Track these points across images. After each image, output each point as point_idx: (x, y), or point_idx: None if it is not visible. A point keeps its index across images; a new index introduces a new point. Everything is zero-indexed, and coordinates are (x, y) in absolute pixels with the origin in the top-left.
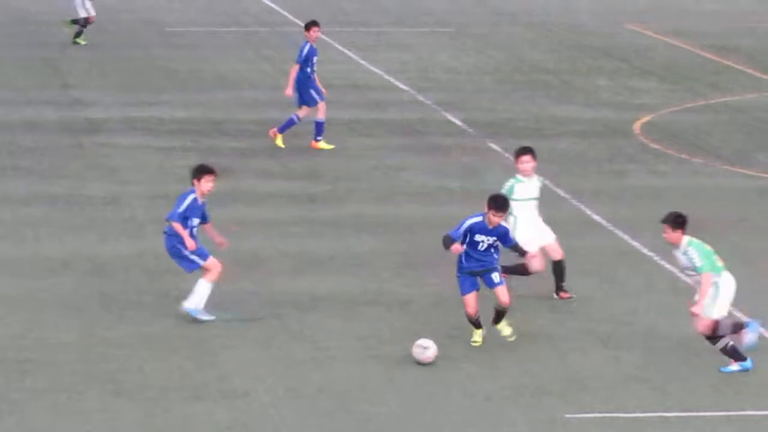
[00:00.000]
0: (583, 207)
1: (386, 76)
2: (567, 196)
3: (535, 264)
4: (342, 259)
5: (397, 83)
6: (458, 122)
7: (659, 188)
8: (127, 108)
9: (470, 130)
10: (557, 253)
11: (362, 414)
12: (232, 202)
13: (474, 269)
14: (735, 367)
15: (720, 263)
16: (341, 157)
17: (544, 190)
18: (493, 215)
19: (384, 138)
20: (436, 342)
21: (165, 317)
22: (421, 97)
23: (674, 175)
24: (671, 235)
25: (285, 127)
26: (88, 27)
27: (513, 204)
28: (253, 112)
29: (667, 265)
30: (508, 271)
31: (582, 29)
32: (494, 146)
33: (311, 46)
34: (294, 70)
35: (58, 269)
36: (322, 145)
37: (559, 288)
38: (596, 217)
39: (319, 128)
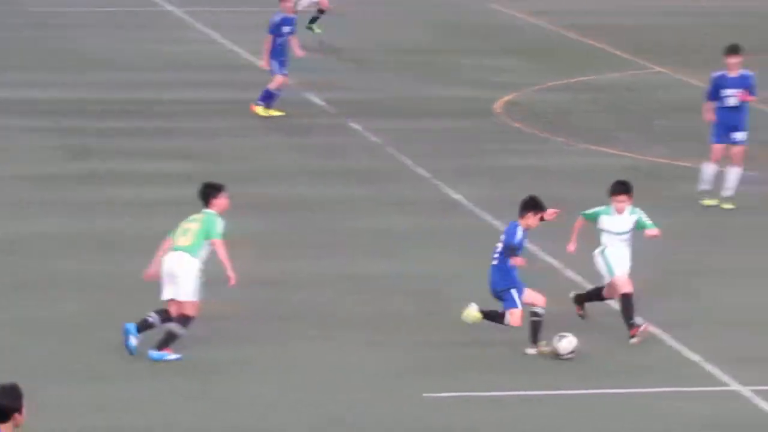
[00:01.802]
0: (444, 186)
1: (249, 56)
2: (428, 175)
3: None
4: None
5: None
6: (320, 102)
7: (521, 167)
8: None
9: (331, 110)
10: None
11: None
12: (99, 183)
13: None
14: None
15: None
16: (205, 137)
17: (404, 170)
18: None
19: (245, 118)
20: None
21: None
22: None
23: (536, 154)
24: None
25: (265, 98)
26: None
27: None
28: (124, 91)
29: (528, 245)
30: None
31: (445, 8)
32: (355, 126)
33: (284, 17)
34: (267, 41)
35: None
36: (260, 110)
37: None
38: (457, 197)
39: (265, 95)
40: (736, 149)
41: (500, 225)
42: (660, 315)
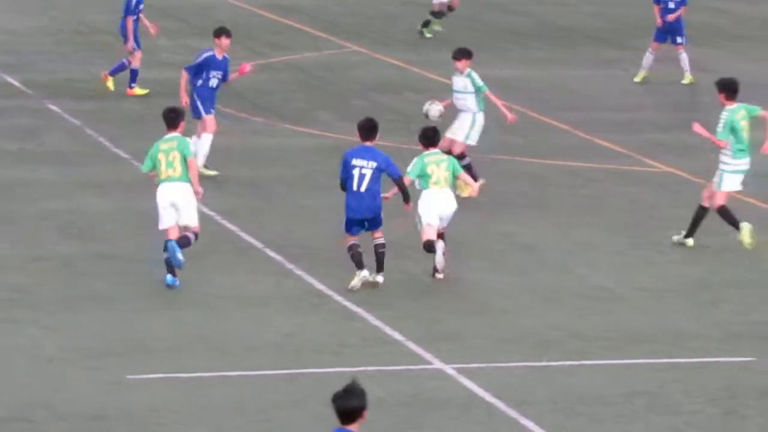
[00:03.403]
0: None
1: None
2: (127, 156)
3: None
4: None
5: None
6: (17, 84)
7: (220, 148)
8: None
9: (29, 92)
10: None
11: None
12: None
13: None
14: None
15: None
16: None
17: (104, 152)
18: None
19: None
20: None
21: None
22: None
23: (235, 134)
24: None
25: (116, 70)
26: None
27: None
28: None
29: (229, 225)
30: None
31: None
32: (54, 107)
33: None
34: (128, 20)
35: None
36: (138, 90)
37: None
38: None
39: (132, 75)
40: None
41: (199, 205)
42: (360, 294)
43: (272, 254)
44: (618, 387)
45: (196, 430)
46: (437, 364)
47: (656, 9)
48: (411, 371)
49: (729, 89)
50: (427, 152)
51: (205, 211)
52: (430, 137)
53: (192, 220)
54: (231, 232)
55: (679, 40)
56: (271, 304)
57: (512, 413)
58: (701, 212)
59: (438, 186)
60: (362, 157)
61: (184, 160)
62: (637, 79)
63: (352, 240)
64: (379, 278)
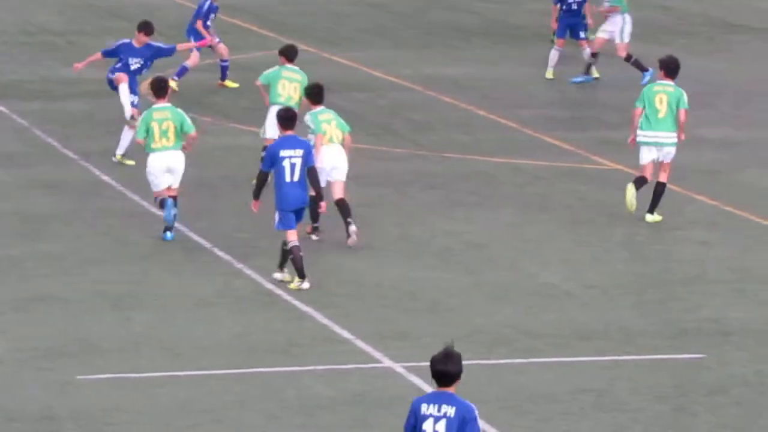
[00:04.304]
0: (92, 168)
1: None
2: (76, 157)
3: None
4: None
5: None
6: None
7: None
8: None
9: None
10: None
11: None
12: None
13: None
14: None
15: None
16: None
17: (52, 152)
18: None
19: None
20: None
21: None
22: None
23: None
24: None
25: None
26: None
27: None
28: None
29: (178, 225)
30: None
31: None
32: (1, 108)
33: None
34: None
35: None
36: (229, 83)
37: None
38: (105, 178)
39: (223, 71)
40: None
41: (148, 206)
42: (310, 294)
43: (221, 254)
44: (567, 384)
45: (146, 430)
46: (387, 362)
47: (554, 9)
48: (361, 370)
49: (667, 67)
50: (317, 110)
51: (154, 212)
52: (317, 93)
53: (177, 183)
54: (179, 232)
55: (582, 35)
56: (220, 304)
57: None
58: (658, 188)
59: (331, 143)
60: (290, 147)
61: (178, 130)
62: (548, 76)
63: (294, 238)
64: (295, 283)
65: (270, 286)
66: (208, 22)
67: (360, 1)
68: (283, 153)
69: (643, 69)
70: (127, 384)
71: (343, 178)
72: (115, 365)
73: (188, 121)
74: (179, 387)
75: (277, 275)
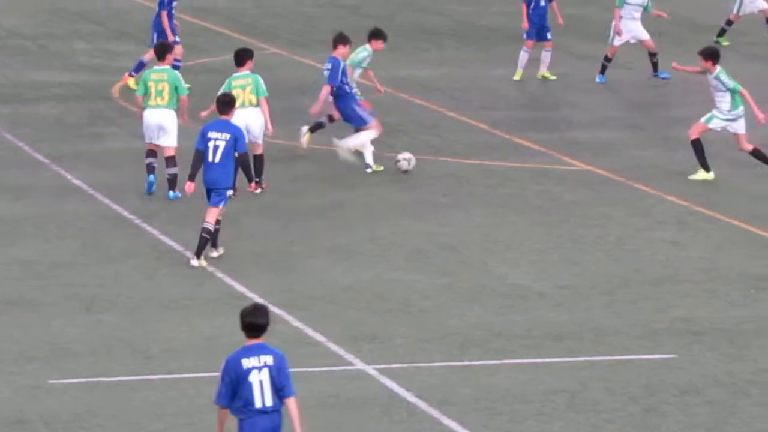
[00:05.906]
0: (63, 172)
1: None
2: (46, 161)
3: None
4: None
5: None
6: None
7: (138, 151)
8: None
9: None
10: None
11: None
12: None
13: None
14: None
15: None
16: None
17: (22, 156)
18: None
19: None
20: None
21: None
22: None
23: None
24: None
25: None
26: None
27: None
28: None
29: (149, 228)
30: None
31: None
32: None
33: None
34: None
35: None
36: (131, 82)
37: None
38: (76, 182)
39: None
40: None
41: (120, 209)
42: (282, 296)
43: (192, 257)
44: (539, 385)
45: None
46: (359, 364)
47: (524, 9)
48: (333, 372)
49: (716, 56)
50: (234, 75)
51: (125, 215)
52: (236, 55)
53: (171, 142)
54: (151, 235)
55: (548, 36)
56: (192, 306)
57: (434, 413)
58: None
59: (243, 107)
60: (218, 130)
61: (173, 90)
62: (516, 77)
63: (208, 218)
64: (194, 262)
65: (242, 288)
66: (173, 11)
67: (331, 3)
68: (210, 134)
69: (602, 72)
70: (99, 387)
71: (256, 140)
72: (86, 369)
73: (182, 84)
74: (151, 390)
75: (213, 254)
